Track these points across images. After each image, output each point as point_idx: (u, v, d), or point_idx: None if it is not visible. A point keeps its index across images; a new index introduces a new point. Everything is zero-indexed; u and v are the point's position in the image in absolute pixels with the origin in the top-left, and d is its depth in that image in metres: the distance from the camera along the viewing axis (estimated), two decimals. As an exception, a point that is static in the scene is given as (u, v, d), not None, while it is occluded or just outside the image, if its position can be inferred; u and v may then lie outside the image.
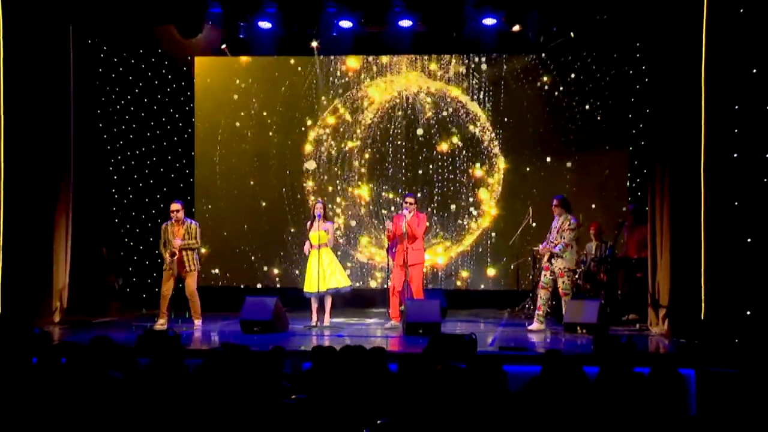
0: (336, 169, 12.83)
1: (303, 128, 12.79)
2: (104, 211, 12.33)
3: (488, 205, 12.70)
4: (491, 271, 12.75)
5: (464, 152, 12.64)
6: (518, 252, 12.07)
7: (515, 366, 7.13)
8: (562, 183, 12.35)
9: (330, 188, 12.88)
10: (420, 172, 12.79)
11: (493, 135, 12.64)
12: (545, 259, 9.78)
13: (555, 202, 9.81)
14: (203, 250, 12.23)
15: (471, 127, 12.70)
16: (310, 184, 12.89)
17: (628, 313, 10.70)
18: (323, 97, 12.71)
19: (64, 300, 10.62)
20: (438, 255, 12.81)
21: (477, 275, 12.77)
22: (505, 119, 12.54)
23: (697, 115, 8.77)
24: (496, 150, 12.67)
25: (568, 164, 12.39)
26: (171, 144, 12.81)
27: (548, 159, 12.45)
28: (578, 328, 9.56)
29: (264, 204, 12.91)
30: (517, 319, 11.22)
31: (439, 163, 12.76)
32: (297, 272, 12.83)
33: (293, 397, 5.00)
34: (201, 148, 12.87)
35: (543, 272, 9.85)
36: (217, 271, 12.91)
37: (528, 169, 12.51)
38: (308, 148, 12.89)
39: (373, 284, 12.90)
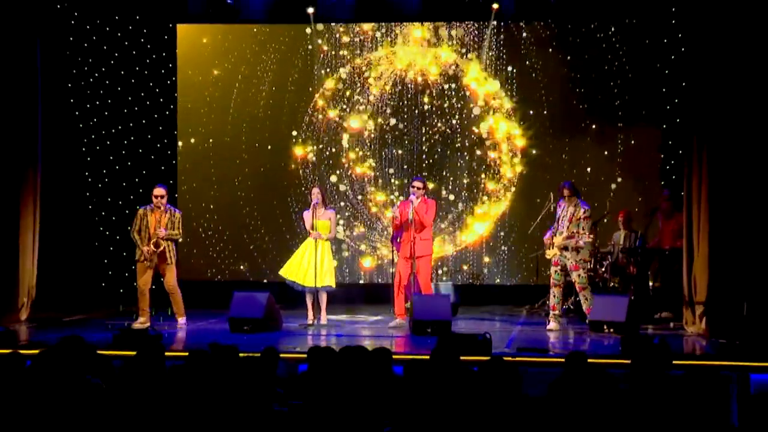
0: (334, 150, 12.90)
1: (297, 104, 12.79)
2: (76, 197, 12.37)
3: (505, 189, 12.76)
4: (508, 264, 12.82)
5: (478, 131, 12.66)
6: (538, 242, 12.03)
7: (534, 369, 7.23)
8: (588, 165, 12.43)
9: (328, 172, 13.01)
10: (428, 152, 12.87)
11: (510, 112, 12.64)
12: (552, 251, 9.79)
13: (566, 188, 9.81)
14: (186, 239, 12.28)
15: (486, 103, 12.64)
16: (305, 167, 12.96)
17: (660, 311, 10.76)
18: (321, 70, 12.71)
19: (32, 295, 10.67)
20: (448, 245, 12.83)
21: (492, 268, 12.84)
22: (524, 95, 12.53)
23: (739, 88, 8.70)
24: (515, 129, 12.64)
25: (594, 145, 12.44)
26: (151, 122, 12.80)
27: (572, 139, 12.48)
28: (605, 327, 9.59)
29: (255, 189, 12.98)
30: (537, 317, 11.27)
31: (450, 143, 12.82)
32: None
33: (287, 403, 5.05)
34: (184, 126, 12.90)
35: (552, 269, 9.84)
36: (203, 263, 12.98)
37: (549, 150, 12.53)
38: (303, 126, 13.02)
39: (375, 278, 12.98)
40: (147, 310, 10.10)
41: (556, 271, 9.85)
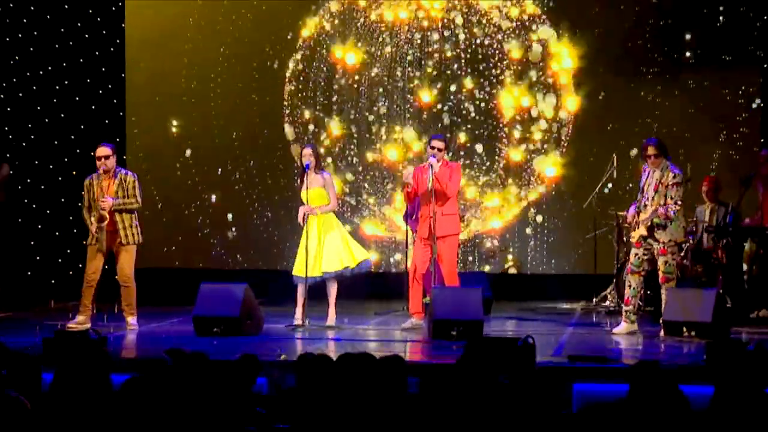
0: (328, 110, 13.32)
1: (279, 61, 13.22)
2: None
3: (552, 152, 12.95)
4: (557, 247, 13.01)
5: (520, 81, 12.97)
6: (597, 219, 11.99)
7: (591, 384, 7.22)
8: (663, 121, 12.56)
9: (323, 136, 13.27)
10: (452, 109, 13.05)
11: (560, 52, 12.86)
12: (637, 232, 9.74)
13: (649, 147, 9.76)
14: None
15: (526, 41, 12.92)
16: (294, 127, 13.37)
17: (758, 309, 10.84)
18: (308, 19, 13.07)
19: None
20: (479, 223, 12.95)
21: (536, 252, 12.98)
22: (577, 29, 12.77)
23: None
24: (565, 77, 12.88)
25: (672, 93, 12.59)
26: (88, 57, 13.06)
27: (641, 86, 12.66)
28: (684, 329, 9.59)
29: (230, 147, 13.30)
30: (595, 316, 11.37)
31: (481, 96, 12.98)
32: (276, 249, 13.09)
33: (270, 427, 5.06)
34: (134, 61, 13.19)
35: (633, 251, 9.83)
36: (158, 244, 13.20)
37: (611, 101, 12.72)
38: (289, 85, 13.30)
39: (383, 265, 13.24)
40: (89, 306, 10.23)
41: (636, 255, 9.82)
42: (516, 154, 13.07)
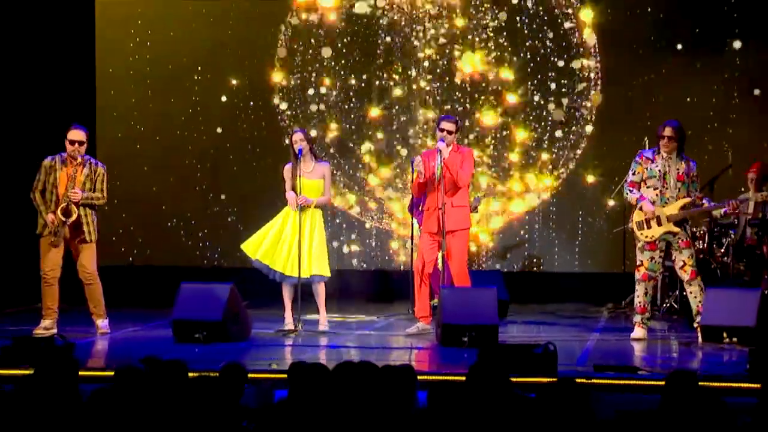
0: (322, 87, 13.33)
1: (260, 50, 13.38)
2: None
3: (574, 133, 12.96)
4: (580, 242, 12.97)
5: (540, 56, 12.96)
6: (626, 210, 12.01)
7: (618, 395, 7.27)
8: (695, 96, 12.58)
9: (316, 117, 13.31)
10: (461, 87, 12.99)
11: (587, 21, 12.87)
12: (659, 230, 9.70)
13: (668, 128, 9.77)
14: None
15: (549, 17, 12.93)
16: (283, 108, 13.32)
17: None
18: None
19: None
20: (494, 215, 12.98)
21: (558, 249, 12.99)
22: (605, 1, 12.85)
23: None
24: (587, 52, 12.88)
25: (711, 71, 12.63)
26: (55, 40, 13.20)
27: (676, 62, 12.72)
28: (724, 334, 9.57)
29: (211, 134, 13.38)
30: (624, 321, 11.39)
31: (493, 70, 12.97)
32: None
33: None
34: (104, 47, 13.38)
35: (648, 254, 9.79)
36: (131, 240, 13.32)
37: (642, 79, 12.76)
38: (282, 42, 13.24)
39: (387, 264, 13.21)
40: (54, 308, 10.18)
41: (652, 258, 9.80)
42: (531, 136, 13.18)
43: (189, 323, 9.73)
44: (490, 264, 13.23)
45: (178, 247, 13.49)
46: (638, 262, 9.91)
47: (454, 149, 10.14)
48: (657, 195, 9.75)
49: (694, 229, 11.04)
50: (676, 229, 9.71)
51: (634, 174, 9.88)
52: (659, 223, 9.75)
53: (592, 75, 12.95)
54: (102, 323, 10.26)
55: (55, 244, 10.02)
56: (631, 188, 9.89)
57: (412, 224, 11.29)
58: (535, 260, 13.20)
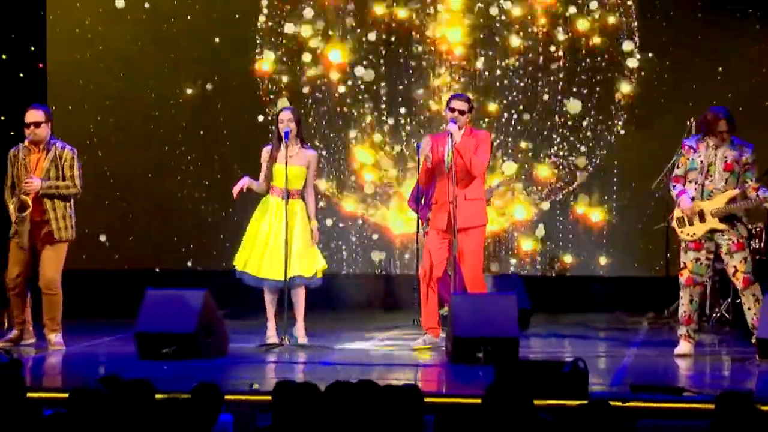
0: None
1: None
2: None
3: (609, 118, 13.07)
4: (616, 241, 13.07)
5: (562, 28, 13.12)
6: (669, 204, 11.92)
7: (660, 421, 7.24)
8: (748, 79, 12.62)
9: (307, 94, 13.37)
10: (479, 65, 13.03)
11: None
12: (702, 227, 9.69)
13: (722, 122, 9.72)
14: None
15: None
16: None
17: None
18: None
19: None
20: (514, 210, 13.05)
21: (589, 248, 13.10)
22: None
23: None
24: (623, 28, 13.03)
25: (759, 47, 12.74)
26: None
27: (722, 35, 12.81)
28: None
29: (182, 118, 13.58)
30: (667, 333, 11.39)
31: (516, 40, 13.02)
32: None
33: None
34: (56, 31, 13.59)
35: (692, 255, 9.77)
36: (88, 239, 13.05)
37: (683, 55, 12.89)
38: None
39: (385, 265, 13.33)
40: (24, 320, 10.32)
41: (697, 260, 9.78)
42: (552, 118, 13.33)
43: (155, 336, 9.68)
44: (509, 267, 13.27)
45: (143, 247, 13.58)
46: (681, 265, 9.86)
47: (467, 132, 10.11)
48: (697, 189, 9.76)
49: (751, 225, 10.94)
50: (722, 226, 9.64)
51: (677, 167, 9.92)
52: (702, 219, 9.75)
53: (628, 59, 13.17)
54: (55, 338, 10.27)
55: (21, 245, 10.10)
56: (674, 183, 9.91)
57: (417, 221, 11.29)
58: (562, 262, 13.26)
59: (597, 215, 13.24)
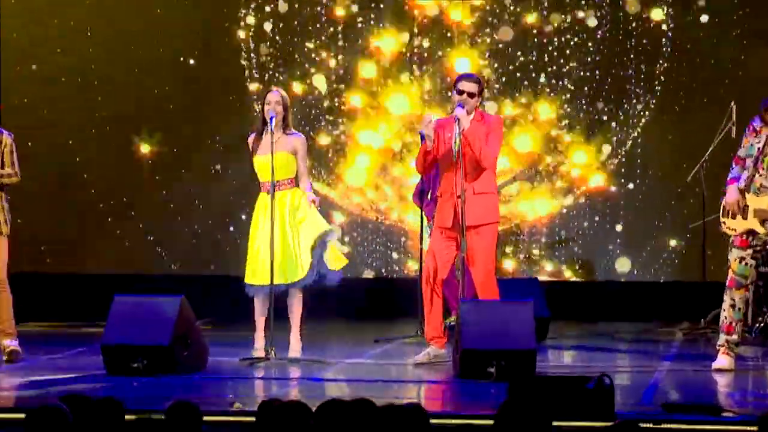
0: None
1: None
2: None
3: (632, 99, 13.07)
4: (644, 242, 13.15)
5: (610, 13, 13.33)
6: (706, 200, 12.08)
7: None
8: None
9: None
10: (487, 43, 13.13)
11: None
12: (745, 224, 9.70)
13: None
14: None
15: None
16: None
17: None
18: None
19: None
20: (531, 205, 13.10)
21: (614, 249, 13.18)
22: None
23: None
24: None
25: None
26: None
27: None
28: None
29: (150, 98, 13.71)
30: (703, 345, 11.44)
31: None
32: (228, 247, 13.18)
33: None
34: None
35: (736, 253, 9.75)
36: (48, 239, 13.44)
37: (720, 24, 12.96)
38: None
39: (389, 269, 13.42)
40: None
41: (742, 259, 9.74)
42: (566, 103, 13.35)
43: (125, 349, 9.65)
44: (525, 270, 13.35)
45: (111, 248, 13.63)
46: (727, 263, 9.89)
47: (476, 117, 10.07)
48: (746, 180, 9.74)
49: None
50: (762, 230, 9.64)
51: (740, 146, 9.92)
52: (744, 216, 9.74)
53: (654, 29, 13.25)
54: (9, 343, 10.26)
55: None
56: (733, 164, 9.88)
57: (421, 217, 11.28)
58: (584, 264, 13.33)
59: (624, 211, 13.28)
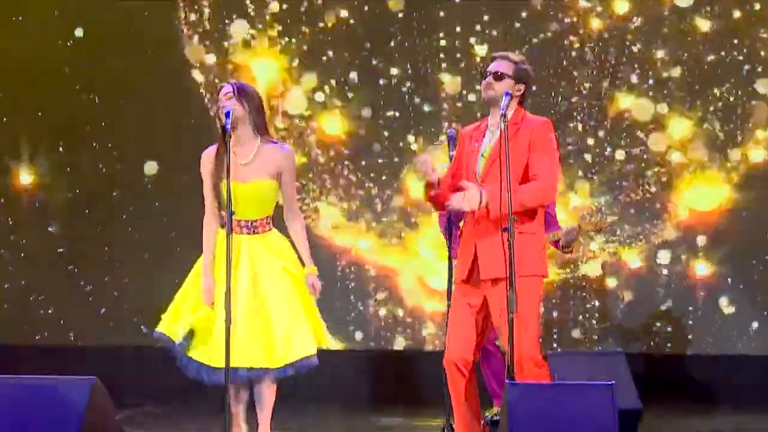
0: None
1: None
2: None
3: (742, 98, 12.68)
4: None
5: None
6: None
7: None
8: None
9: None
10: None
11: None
12: None
13: None
14: None
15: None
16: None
17: None
18: None
19: None
20: (606, 255, 12.62)
21: (729, 314, 12.38)
22: None
23: None
24: None
25: None
26: None
27: None
28: None
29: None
30: None
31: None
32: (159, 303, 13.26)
33: None
34: None
35: None
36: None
37: None
38: None
39: (403, 344, 13.07)
40: None
41: None
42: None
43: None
44: (602, 341, 12.47)
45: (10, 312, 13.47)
46: None
47: (514, 119, 8.49)
48: None
49: None
50: None
51: None
52: None
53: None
54: None
55: None
56: None
57: (450, 260, 9.55)
58: (687, 335, 12.20)
59: (740, 259, 12.45)
